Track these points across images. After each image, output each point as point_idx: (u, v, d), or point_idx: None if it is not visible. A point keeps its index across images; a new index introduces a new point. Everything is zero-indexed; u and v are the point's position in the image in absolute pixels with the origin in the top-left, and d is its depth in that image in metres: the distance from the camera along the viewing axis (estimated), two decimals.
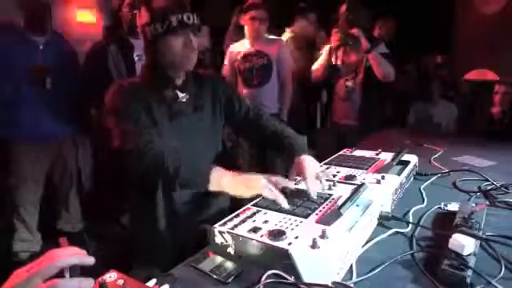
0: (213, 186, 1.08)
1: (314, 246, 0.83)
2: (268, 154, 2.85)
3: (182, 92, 1.26)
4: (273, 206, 1.07)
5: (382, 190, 1.17)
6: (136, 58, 2.39)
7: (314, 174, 1.19)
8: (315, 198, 1.11)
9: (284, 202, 1.05)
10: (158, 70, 1.23)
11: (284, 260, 0.82)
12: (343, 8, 2.65)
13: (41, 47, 2.22)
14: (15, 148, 2.26)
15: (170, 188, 1.14)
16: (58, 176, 2.48)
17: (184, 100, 1.26)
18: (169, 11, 1.14)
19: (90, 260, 0.66)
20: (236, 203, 1.19)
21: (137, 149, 1.09)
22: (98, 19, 3.35)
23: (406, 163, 1.47)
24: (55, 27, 2.42)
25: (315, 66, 2.74)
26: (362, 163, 1.47)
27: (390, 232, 1.06)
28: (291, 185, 1.17)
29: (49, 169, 2.42)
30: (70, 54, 2.41)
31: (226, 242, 0.94)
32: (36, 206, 2.39)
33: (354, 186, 1.15)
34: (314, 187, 1.14)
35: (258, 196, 1.11)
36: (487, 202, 1.26)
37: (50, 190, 2.47)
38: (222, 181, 1.08)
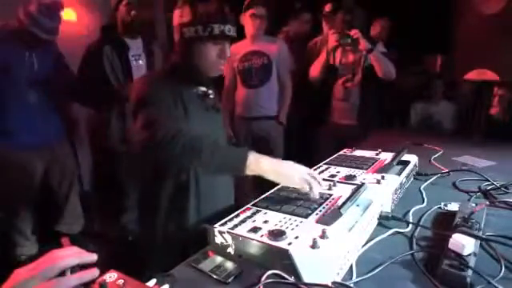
0: (250, 170, 1.09)
1: (313, 246, 0.83)
2: (268, 156, 2.85)
3: (209, 89, 1.32)
4: (273, 206, 1.08)
5: (381, 190, 1.17)
6: (132, 59, 2.38)
7: None
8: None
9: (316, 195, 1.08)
10: (190, 69, 1.26)
11: (284, 260, 0.82)
12: (327, 7, 2.65)
13: (27, 54, 2.15)
14: (5, 156, 2.20)
15: (206, 170, 1.19)
16: (55, 180, 2.45)
17: (212, 96, 1.32)
18: (212, 18, 1.17)
19: (92, 258, 0.66)
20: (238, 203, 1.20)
21: (170, 135, 1.09)
22: (81, 17, 3.26)
23: (406, 163, 1.47)
24: None
25: (313, 67, 2.73)
26: (362, 163, 1.47)
27: (390, 232, 1.06)
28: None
29: (44, 174, 2.38)
30: (58, 58, 2.36)
31: (226, 241, 0.94)
32: (31, 212, 2.36)
33: (354, 186, 1.15)
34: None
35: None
36: (487, 202, 1.25)
37: (48, 193, 2.44)
38: (261, 165, 1.09)
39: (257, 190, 1.17)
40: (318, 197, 1.08)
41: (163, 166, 1.25)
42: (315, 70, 2.70)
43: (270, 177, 1.10)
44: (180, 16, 1.21)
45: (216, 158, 1.09)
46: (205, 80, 1.31)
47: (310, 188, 1.08)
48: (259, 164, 1.09)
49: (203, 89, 1.30)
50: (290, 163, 1.14)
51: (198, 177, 1.27)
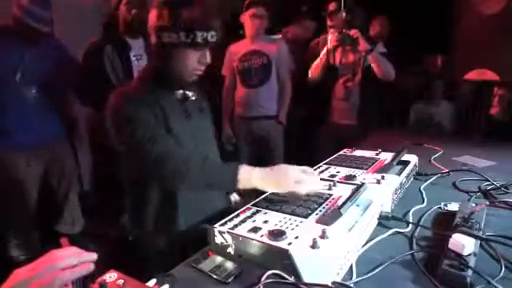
0: (242, 185, 1.09)
1: (313, 246, 0.83)
2: (267, 157, 2.85)
3: (190, 91, 1.28)
4: (273, 206, 1.08)
5: (381, 190, 1.17)
6: (133, 59, 2.38)
7: None
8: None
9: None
10: (168, 73, 1.22)
11: (284, 260, 0.82)
12: (331, 6, 2.64)
13: (26, 52, 2.14)
14: (3, 156, 2.20)
15: (196, 190, 1.18)
16: (55, 180, 2.44)
17: (193, 98, 1.28)
18: (196, 24, 1.12)
19: (92, 257, 0.66)
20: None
21: (155, 156, 1.09)
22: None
23: (406, 163, 1.47)
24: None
25: (313, 67, 2.73)
26: (362, 163, 1.47)
27: (390, 232, 1.06)
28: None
29: (43, 174, 2.37)
30: (60, 52, 2.35)
31: (226, 241, 0.94)
32: (30, 212, 2.35)
33: (354, 186, 1.15)
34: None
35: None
36: (487, 202, 1.25)
37: (47, 193, 2.44)
38: (252, 178, 1.09)
39: (257, 190, 1.17)
40: (307, 192, 1.09)
41: (143, 177, 1.23)
42: (315, 69, 2.70)
43: (264, 188, 1.11)
44: (158, 18, 1.14)
45: (206, 179, 1.10)
46: (184, 83, 1.26)
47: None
48: (250, 178, 1.09)
49: (181, 92, 1.25)
50: (282, 168, 1.12)
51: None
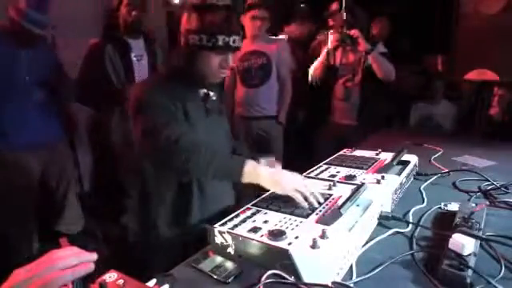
0: (247, 178, 1.10)
1: (314, 245, 0.83)
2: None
3: (212, 91, 1.31)
4: (273, 206, 1.08)
5: (381, 190, 1.17)
6: (134, 59, 2.38)
7: None
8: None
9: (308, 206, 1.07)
10: (189, 73, 1.25)
11: (284, 260, 0.82)
12: (333, 6, 2.64)
13: (23, 53, 2.13)
14: (2, 157, 2.18)
15: (202, 176, 1.20)
16: (54, 181, 2.44)
17: (214, 98, 1.32)
18: (218, 29, 1.16)
19: (92, 258, 0.66)
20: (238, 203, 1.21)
21: (173, 139, 1.11)
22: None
23: (406, 163, 1.47)
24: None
25: (313, 67, 2.73)
26: (362, 163, 1.47)
27: (390, 232, 1.06)
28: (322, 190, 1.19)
29: (42, 175, 2.36)
30: (52, 59, 2.35)
31: (226, 241, 0.94)
32: (29, 212, 2.35)
33: (353, 186, 1.15)
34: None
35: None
36: (487, 202, 1.25)
37: (47, 193, 2.43)
38: (257, 173, 1.11)
39: (257, 191, 1.17)
40: (308, 206, 1.07)
41: (165, 167, 1.24)
42: (316, 69, 2.70)
43: (267, 185, 1.12)
44: (187, 21, 1.20)
45: (213, 165, 1.11)
46: (206, 83, 1.30)
47: (305, 198, 1.07)
48: (256, 173, 1.11)
49: (204, 91, 1.30)
50: (288, 173, 1.15)
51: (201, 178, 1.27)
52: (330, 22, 2.70)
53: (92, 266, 0.64)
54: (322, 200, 1.10)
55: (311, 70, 2.74)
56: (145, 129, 1.15)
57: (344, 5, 2.50)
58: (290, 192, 1.08)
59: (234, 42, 1.19)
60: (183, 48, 1.24)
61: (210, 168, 1.11)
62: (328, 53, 2.62)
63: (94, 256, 0.66)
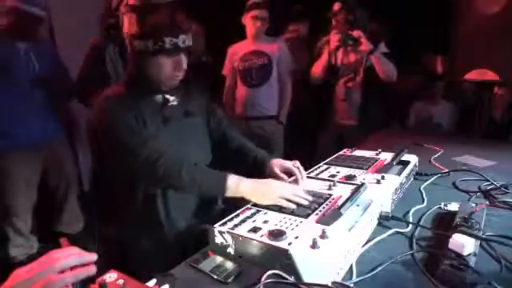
0: (230, 192, 1.10)
1: (314, 246, 0.83)
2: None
3: (171, 96, 1.24)
4: (273, 205, 1.08)
5: (382, 190, 1.17)
6: None
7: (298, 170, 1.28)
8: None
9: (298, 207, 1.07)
10: (144, 80, 1.19)
11: (284, 260, 0.82)
12: (336, 6, 2.64)
13: (22, 53, 2.14)
14: (2, 156, 2.18)
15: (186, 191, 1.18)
16: (54, 181, 2.44)
17: (175, 103, 1.25)
18: (163, 31, 1.08)
19: (92, 258, 0.66)
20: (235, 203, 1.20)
21: (147, 160, 1.09)
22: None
23: (406, 163, 1.47)
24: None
25: (315, 67, 2.74)
26: (362, 163, 1.47)
27: (390, 232, 1.06)
28: (305, 188, 1.18)
29: (42, 174, 2.37)
30: (54, 57, 2.35)
31: (226, 241, 0.94)
32: (29, 212, 2.35)
33: (354, 186, 1.15)
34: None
35: None
36: (487, 202, 1.25)
37: (46, 193, 2.43)
38: (240, 187, 1.10)
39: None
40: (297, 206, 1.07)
41: (132, 177, 1.22)
42: (317, 69, 2.70)
43: (250, 198, 1.11)
44: (129, 25, 1.12)
45: (195, 184, 1.11)
46: (162, 89, 1.22)
47: (290, 201, 1.07)
48: (238, 187, 1.11)
49: (160, 96, 1.22)
50: (270, 182, 1.14)
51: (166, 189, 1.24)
52: (334, 22, 2.69)
53: (94, 269, 0.65)
54: (309, 197, 1.10)
55: (313, 70, 2.74)
56: (118, 150, 1.12)
57: (346, 5, 2.50)
58: (275, 201, 1.07)
59: (183, 42, 1.12)
60: (131, 54, 1.17)
61: (192, 187, 1.11)
62: (329, 53, 2.62)
63: (95, 257, 0.66)
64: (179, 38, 1.10)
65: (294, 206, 1.06)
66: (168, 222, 1.26)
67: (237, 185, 1.11)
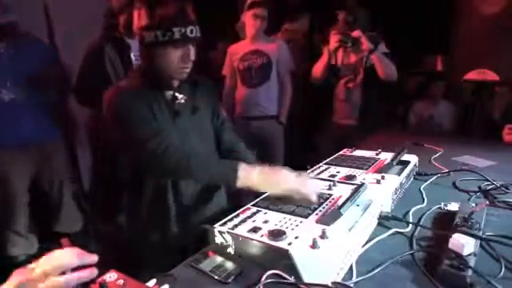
0: (241, 183, 1.10)
1: (313, 246, 0.83)
2: (268, 157, 2.85)
3: (180, 93, 1.26)
4: (273, 206, 1.08)
5: (382, 190, 1.17)
6: (133, 58, 2.38)
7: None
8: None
9: (315, 199, 1.07)
10: (154, 73, 1.21)
11: (284, 260, 0.82)
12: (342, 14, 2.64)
13: (2, 50, 2.12)
14: None
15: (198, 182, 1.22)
16: (46, 182, 2.43)
17: (182, 101, 1.26)
18: (172, 21, 1.10)
19: (93, 259, 0.66)
20: (235, 203, 1.20)
21: (157, 152, 1.09)
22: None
23: (406, 163, 1.47)
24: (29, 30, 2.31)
25: (315, 67, 2.73)
26: (362, 163, 1.47)
27: (390, 232, 1.06)
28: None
29: (34, 175, 2.36)
30: (46, 53, 2.34)
31: (226, 241, 0.94)
32: (24, 212, 2.34)
33: (354, 186, 1.15)
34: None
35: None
36: (487, 202, 1.25)
37: (40, 193, 2.42)
38: (251, 176, 1.10)
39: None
40: (315, 200, 1.08)
41: (142, 170, 1.23)
42: (317, 70, 2.70)
43: (261, 188, 1.11)
44: (138, 19, 1.14)
45: (206, 174, 1.12)
46: (174, 84, 1.25)
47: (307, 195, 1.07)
48: (249, 176, 1.10)
49: (170, 93, 1.24)
50: (282, 172, 1.12)
51: (177, 182, 1.25)
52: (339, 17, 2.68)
53: (95, 272, 0.65)
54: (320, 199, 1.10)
55: (313, 70, 2.74)
56: (130, 143, 1.14)
57: (345, 5, 2.50)
58: (287, 192, 1.08)
59: (191, 32, 1.13)
60: (140, 47, 1.20)
61: (204, 177, 1.12)
62: (330, 53, 2.62)
63: (95, 258, 0.66)
64: (188, 28, 1.12)
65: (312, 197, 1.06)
66: (177, 221, 1.26)
67: (248, 173, 1.10)
